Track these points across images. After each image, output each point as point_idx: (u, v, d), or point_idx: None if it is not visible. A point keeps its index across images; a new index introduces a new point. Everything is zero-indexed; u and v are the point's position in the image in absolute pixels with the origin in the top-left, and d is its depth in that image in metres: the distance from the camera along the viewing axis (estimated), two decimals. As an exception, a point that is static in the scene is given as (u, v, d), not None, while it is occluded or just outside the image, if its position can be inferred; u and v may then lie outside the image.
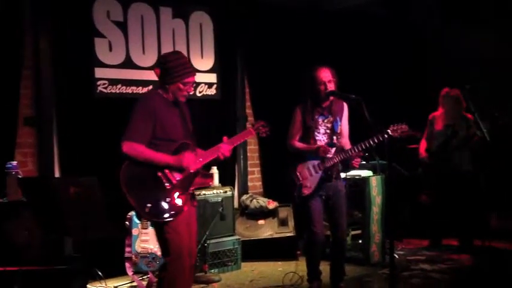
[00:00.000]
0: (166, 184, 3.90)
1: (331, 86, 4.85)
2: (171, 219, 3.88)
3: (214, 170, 6.33)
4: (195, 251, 4.23)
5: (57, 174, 5.75)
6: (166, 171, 3.91)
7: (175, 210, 3.90)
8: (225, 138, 4.22)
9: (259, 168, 7.57)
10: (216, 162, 4.24)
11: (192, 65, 4.13)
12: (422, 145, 6.76)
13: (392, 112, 5.42)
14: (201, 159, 4.07)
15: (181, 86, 3.99)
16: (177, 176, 3.94)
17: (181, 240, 3.92)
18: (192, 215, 4.14)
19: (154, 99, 4.02)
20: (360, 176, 6.19)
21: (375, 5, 7.61)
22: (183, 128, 4.08)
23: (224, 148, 4.13)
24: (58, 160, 5.79)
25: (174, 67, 3.96)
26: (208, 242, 5.91)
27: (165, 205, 3.87)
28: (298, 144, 4.96)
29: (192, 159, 3.99)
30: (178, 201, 3.92)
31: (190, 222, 4.09)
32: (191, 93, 4.15)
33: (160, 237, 3.99)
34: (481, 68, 7.03)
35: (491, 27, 7.03)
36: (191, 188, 4.03)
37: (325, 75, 4.86)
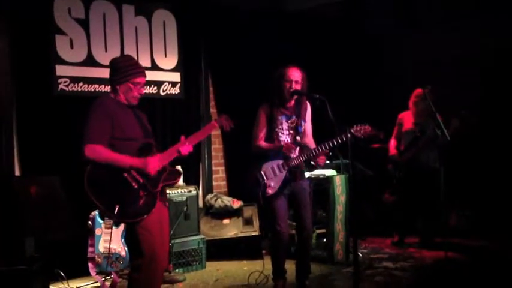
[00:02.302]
0: (134, 184, 3.85)
1: (296, 87, 4.87)
2: (143, 217, 3.83)
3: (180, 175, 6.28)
4: (167, 252, 4.16)
5: (17, 174, 5.62)
6: (133, 172, 3.86)
7: (146, 209, 3.85)
8: (182, 137, 4.19)
9: (223, 168, 7.55)
10: (179, 160, 4.21)
11: (141, 66, 4.13)
12: (392, 144, 6.87)
13: (352, 112, 5.48)
14: (166, 157, 4.03)
15: (131, 85, 3.97)
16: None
17: (154, 240, 3.88)
18: (164, 216, 4.10)
19: (108, 101, 3.99)
20: (324, 175, 6.22)
21: (334, 7, 7.69)
22: (141, 128, 4.05)
23: (185, 148, 4.11)
24: (18, 159, 5.65)
25: (122, 67, 3.98)
26: (172, 241, 5.85)
27: (134, 205, 3.83)
28: (263, 144, 4.96)
29: (157, 163, 3.93)
30: (148, 200, 3.87)
31: (163, 223, 4.05)
32: (144, 93, 4.11)
33: (133, 238, 3.94)
34: (436, 69, 7.16)
35: (445, 29, 7.16)
36: (160, 185, 3.97)
37: (295, 74, 4.88)
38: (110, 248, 5.10)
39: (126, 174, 3.84)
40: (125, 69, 3.96)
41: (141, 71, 4.04)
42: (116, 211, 3.77)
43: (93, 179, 3.77)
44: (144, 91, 6.42)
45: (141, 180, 3.87)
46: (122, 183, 3.83)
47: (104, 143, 3.82)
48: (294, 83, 4.85)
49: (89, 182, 3.76)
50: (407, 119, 6.79)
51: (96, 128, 3.82)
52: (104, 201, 3.77)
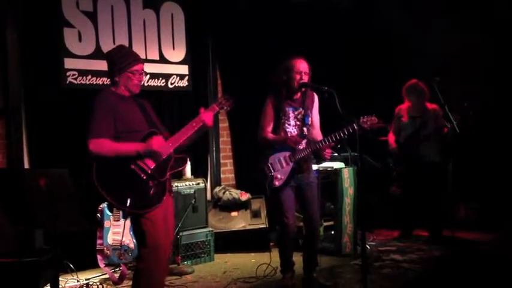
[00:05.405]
0: (142, 175, 3.86)
1: (305, 78, 4.87)
2: (155, 207, 3.84)
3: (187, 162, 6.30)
4: (171, 242, 4.17)
5: (26, 166, 5.66)
6: (139, 162, 3.85)
7: (156, 198, 3.86)
8: (202, 108, 4.15)
9: (231, 160, 7.56)
10: (189, 147, 4.19)
11: (136, 53, 4.14)
12: (391, 137, 6.86)
13: (360, 104, 5.46)
14: (170, 144, 3.99)
15: (130, 75, 3.98)
16: (151, 165, 3.88)
17: (158, 231, 3.88)
18: (169, 207, 4.10)
19: (109, 95, 3.99)
20: (332, 167, 6.22)
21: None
22: (146, 120, 4.05)
23: (205, 116, 4.06)
24: (27, 151, 5.70)
25: (118, 58, 3.99)
26: (181, 234, 5.90)
27: (144, 196, 3.83)
28: (270, 136, 4.94)
29: (162, 142, 3.93)
30: (158, 189, 3.88)
31: (168, 214, 4.05)
32: (142, 82, 4.11)
33: (138, 229, 3.95)
34: (446, 60, 7.11)
35: (456, 19, 7.11)
36: (168, 174, 3.97)
37: (303, 66, 4.87)
38: (122, 240, 5.12)
39: (133, 166, 3.83)
40: (120, 59, 3.97)
41: (136, 58, 4.04)
42: (127, 204, 3.77)
43: (102, 173, 3.77)
44: (152, 83, 6.53)
45: (149, 171, 3.87)
46: (131, 175, 3.82)
47: (108, 136, 3.82)
48: (303, 74, 4.85)
49: (97, 177, 3.75)
50: (405, 111, 6.77)
51: (99, 122, 3.82)
52: (114, 195, 3.76)
